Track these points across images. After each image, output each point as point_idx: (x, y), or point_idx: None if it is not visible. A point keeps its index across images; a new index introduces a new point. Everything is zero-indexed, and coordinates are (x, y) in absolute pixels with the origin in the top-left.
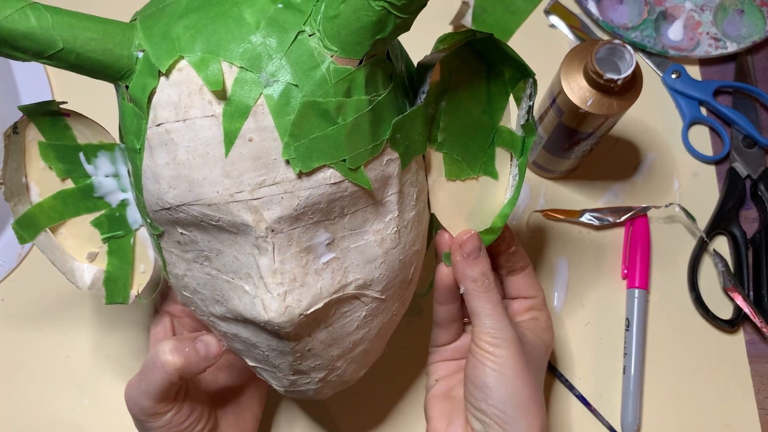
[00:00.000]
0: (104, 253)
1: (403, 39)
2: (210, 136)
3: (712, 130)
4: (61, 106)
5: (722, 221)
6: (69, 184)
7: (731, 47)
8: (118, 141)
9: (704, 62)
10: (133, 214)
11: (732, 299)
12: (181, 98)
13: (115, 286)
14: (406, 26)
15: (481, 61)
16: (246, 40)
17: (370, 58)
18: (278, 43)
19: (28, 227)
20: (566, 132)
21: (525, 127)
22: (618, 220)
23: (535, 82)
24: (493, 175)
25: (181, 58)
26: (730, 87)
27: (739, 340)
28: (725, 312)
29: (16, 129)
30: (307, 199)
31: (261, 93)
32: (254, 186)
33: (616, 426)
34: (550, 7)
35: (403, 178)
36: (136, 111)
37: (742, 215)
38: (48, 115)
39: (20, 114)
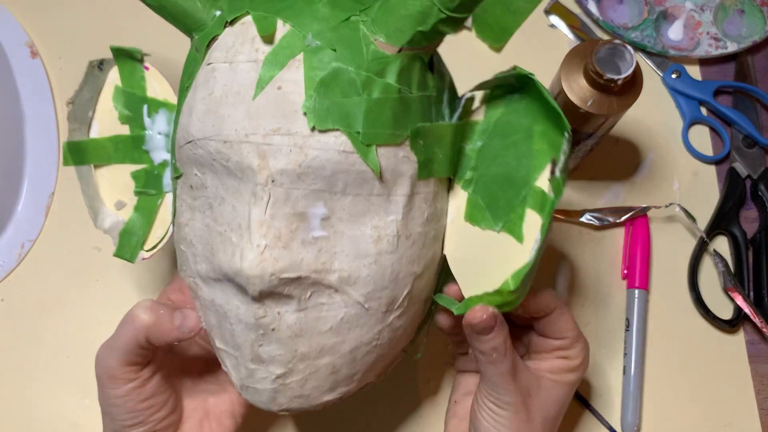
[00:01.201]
0: (131, 207)
1: None
2: (247, 79)
3: (713, 130)
4: (146, 57)
5: (722, 221)
6: (126, 130)
7: (731, 47)
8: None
9: (704, 62)
10: (169, 177)
11: (732, 299)
12: (235, 44)
13: (129, 240)
14: (449, 25)
15: (529, 114)
16: (306, 9)
17: (409, 51)
18: (332, 17)
19: (75, 154)
20: None
21: (553, 183)
22: (618, 221)
23: (569, 135)
24: (519, 238)
25: (247, 14)
26: (731, 87)
27: (739, 340)
28: (725, 312)
29: (101, 65)
30: (314, 160)
31: (302, 50)
32: (269, 131)
33: (616, 426)
34: (550, 6)
35: (417, 188)
36: (195, 56)
37: (742, 215)
38: (132, 60)
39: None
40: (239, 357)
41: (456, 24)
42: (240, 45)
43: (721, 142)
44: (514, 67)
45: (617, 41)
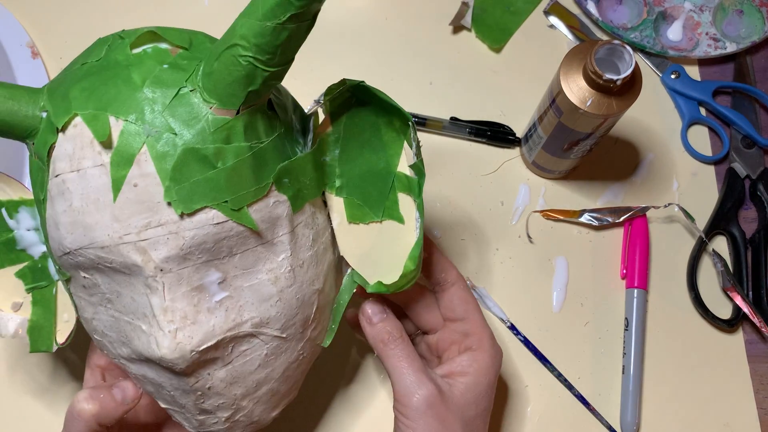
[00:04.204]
0: (28, 303)
1: (403, 39)
2: (100, 183)
3: (712, 130)
4: None
5: (721, 221)
6: None
7: (730, 47)
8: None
9: (703, 62)
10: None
11: (731, 299)
12: (75, 150)
13: (39, 334)
14: (277, 78)
15: (371, 111)
16: (132, 96)
17: (247, 108)
18: (161, 97)
19: None
20: (565, 132)
21: (414, 168)
22: (617, 221)
23: (413, 124)
24: (399, 219)
25: (76, 115)
26: (730, 87)
27: (738, 339)
28: (724, 312)
29: None
30: (193, 239)
31: (144, 143)
32: (141, 228)
33: (616, 425)
34: (550, 7)
35: (295, 220)
36: (39, 165)
37: (741, 215)
38: None
39: None
40: (185, 413)
41: (283, 73)
42: (80, 150)
43: (720, 142)
44: (344, 80)
45: (616, 42)
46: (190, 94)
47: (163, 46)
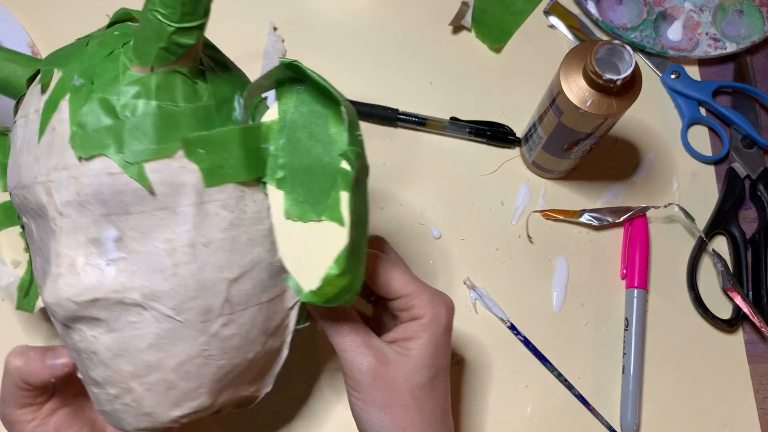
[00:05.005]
0: (26, 263)
1: (403, 39)
2: (35, 128)
3: (712, 130)
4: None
5: (721, 221)
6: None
7: (730, 47)
8: None
9: (703, 62)
10: None
11: (731, 299)
12: (28, 99)
13: (26, 294)
14: (185, 35)
15: (320, 102)
16: (78, 54)
17: (162, 68)
18: (98, 55)
19: None
20: (566, 132)
21: (345, 157)
22: (617, 221)
23: (347, 107)
24: (340, 221)
25: (39, 71)
26: (729, 87)
27: (738, 339)
28: (724, 312)
29: None
30: (88, 187)
31: (68, 91)
32: (50, 169)
33: (616, 425)
34: (550, 7)
35: (208, 196)
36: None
37: (741, 215)
38: (2, 136)
39: None
40: (87, 383)
41: (192, 32)
42: (30, 98)
43: (720, 142)
44: (280, 60)
45: (616, 42)
46: (120, 52)
47: (136, 25)
